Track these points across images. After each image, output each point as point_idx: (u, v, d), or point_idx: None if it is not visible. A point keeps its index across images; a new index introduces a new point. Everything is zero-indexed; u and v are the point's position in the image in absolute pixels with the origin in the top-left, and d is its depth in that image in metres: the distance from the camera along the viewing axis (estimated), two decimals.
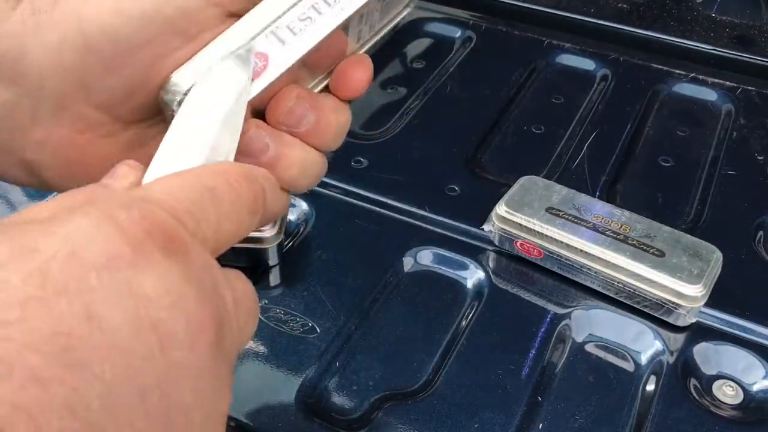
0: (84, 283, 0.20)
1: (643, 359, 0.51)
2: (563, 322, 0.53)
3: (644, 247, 0.53)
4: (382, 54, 0.80)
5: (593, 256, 0.53)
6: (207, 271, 0.24)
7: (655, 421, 0.47)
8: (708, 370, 0.50)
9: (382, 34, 0.36)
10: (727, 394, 0.49)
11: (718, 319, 0.53)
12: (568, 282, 0.55)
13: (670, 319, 0.52)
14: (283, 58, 0.31)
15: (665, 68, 0.76)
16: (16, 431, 0.18)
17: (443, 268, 0.57)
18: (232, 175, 0.27)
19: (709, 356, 0.51)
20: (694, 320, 0.52)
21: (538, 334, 0.52)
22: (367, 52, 0.35)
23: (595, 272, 0.53)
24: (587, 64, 0.78)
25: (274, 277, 0.56)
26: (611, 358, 0.51)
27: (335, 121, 0.33)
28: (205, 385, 0.23)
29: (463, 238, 0.59)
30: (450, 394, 0.48)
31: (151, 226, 0.23)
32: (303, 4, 0.31)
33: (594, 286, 0.54)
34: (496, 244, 0.57)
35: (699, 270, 0.51)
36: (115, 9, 0.30)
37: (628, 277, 0.52)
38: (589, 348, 0.52)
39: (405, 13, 0.36)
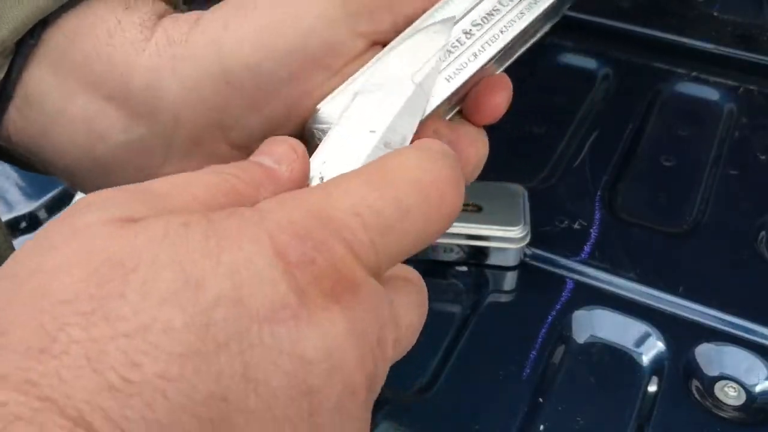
0: (245, 339, 0.18)
1: (645, 360, 0.51)
2: (564, 323, 0.53)
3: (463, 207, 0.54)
4: None
5: None
6: (374, 313, 0.21)
7: (656, 422, 0.47)
8: (710, 371, 0.50)
9: (521, 51, 0.32)
10: (729, 395, 0.49)
11: (720, 319, 0.53)
12: (568, 282, 0.55)
13: (501, 262, 0.55)
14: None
15: (667, 67, 0.76)
16: None
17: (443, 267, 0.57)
18: (435, 193, 0.23)
19: (711, 357, 0.51)
20: (522, 257, 0.56)
21: (539, 334, 0.52)
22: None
23: None
24: (588, 63, 0.77)
25: None
26: (613, 360, 0.51)
27: (474, 156, 0.31)
28: None
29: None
30: (450, 396, 0.48)
31: (323, 271, 0.20)
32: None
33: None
34: None
35: (515, 211, 0.55)
36: (257, 42, 0.27)
37: (458, 239, 0.55)
38: (591, 349, 0.51)
39: (548, 29, 0.33)
